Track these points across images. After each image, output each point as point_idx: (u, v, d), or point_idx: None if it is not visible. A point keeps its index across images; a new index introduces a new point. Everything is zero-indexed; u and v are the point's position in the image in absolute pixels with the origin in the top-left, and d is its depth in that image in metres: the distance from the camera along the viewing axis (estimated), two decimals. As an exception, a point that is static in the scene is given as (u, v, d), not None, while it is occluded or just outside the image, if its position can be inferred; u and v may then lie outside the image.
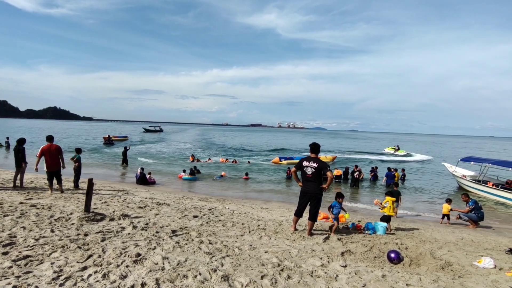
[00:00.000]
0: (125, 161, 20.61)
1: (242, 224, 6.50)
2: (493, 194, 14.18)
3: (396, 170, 16.81)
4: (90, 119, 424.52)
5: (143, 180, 14.17)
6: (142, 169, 14.79)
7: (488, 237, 7.80)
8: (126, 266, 3.65)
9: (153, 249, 4.34)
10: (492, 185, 14.50)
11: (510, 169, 14.32)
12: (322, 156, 28.59)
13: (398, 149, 41.36)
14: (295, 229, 6.16)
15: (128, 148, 22.09)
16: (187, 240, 4.95)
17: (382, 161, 31.25)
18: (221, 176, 17.57)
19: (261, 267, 3.98)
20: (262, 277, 3.63)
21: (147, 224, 5.81)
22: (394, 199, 7.46)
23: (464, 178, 16.40)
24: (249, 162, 24.81)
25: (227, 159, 25.30)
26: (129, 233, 5.07)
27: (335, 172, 17.08)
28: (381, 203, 7.40)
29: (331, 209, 6.39)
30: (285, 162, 24.31)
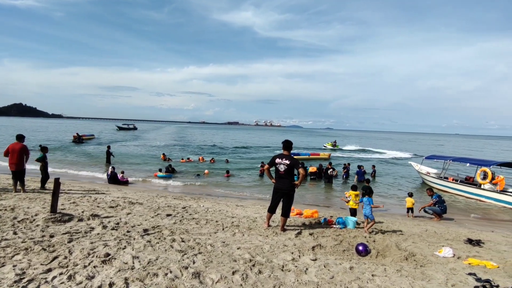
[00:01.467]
0: (107, 160, 20.08)
1: (216, 221, 6.51)
2: (453, 188, 15.11)
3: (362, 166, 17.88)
4: (59, 116, 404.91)
5: (115, 179, 13.70)
6: (113, 168, 14.32)
7: (450, 228, 8.30)
8: (94, 267, 3.56)
9: (123, 248, 4.26)
10: (452, 179, 15.46)
11: (468, 164, 15.35)
12: (322, 153, 30.53)
13: (335, 144, 46.35)
14: (269, 225, 6.25)
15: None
16: (159, 238, 4.90)
17: (361, 159, 32.27)
18: (199, 174, 17.42)
19: (233, 263, 4.02)
20: (233, 273, 3.67)
21: (118, 223, 5.68)
22: (357, 192, 7.93)
23: (428, 174, 17.33)
24: (227, 160, 24.65)
25: (203, 158, 24.87)
26: (98, 233, 4.94)
27: (311, 169, 17.48)
28: (346, 197, 7.99)
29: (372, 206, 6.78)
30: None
